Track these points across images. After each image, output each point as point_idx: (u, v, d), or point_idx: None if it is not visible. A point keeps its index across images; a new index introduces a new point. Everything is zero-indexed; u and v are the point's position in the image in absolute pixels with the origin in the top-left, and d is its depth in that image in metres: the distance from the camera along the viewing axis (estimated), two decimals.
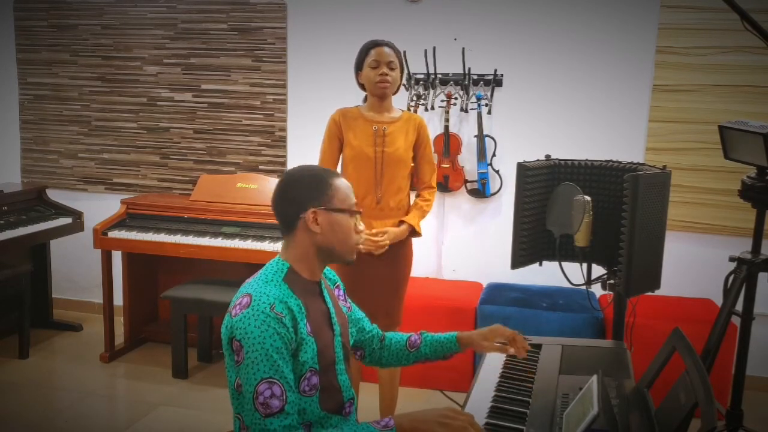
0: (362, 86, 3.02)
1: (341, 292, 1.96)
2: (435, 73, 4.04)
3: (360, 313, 2.02)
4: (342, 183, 1.78)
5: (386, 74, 2.92)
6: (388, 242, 2.93)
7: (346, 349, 1.83)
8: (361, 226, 1.81)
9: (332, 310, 1.80)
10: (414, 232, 3.03)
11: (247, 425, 1.58)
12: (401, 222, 3.00)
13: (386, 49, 2.94)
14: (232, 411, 1.71)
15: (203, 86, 4.48)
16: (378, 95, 2.96)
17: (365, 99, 3.06)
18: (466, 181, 4.09)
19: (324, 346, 1.71)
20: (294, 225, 1.74)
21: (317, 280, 1.79)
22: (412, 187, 3.14)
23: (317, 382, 1.69)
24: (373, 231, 2.92)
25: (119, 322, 4.22)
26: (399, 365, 2.08)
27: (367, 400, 3.23)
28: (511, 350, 1.94)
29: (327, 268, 1.89)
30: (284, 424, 1.54)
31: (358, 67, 2.99)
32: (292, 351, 1.62)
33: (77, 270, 4.83)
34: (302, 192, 1.74)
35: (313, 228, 1.72)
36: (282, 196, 1.76)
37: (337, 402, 1.76)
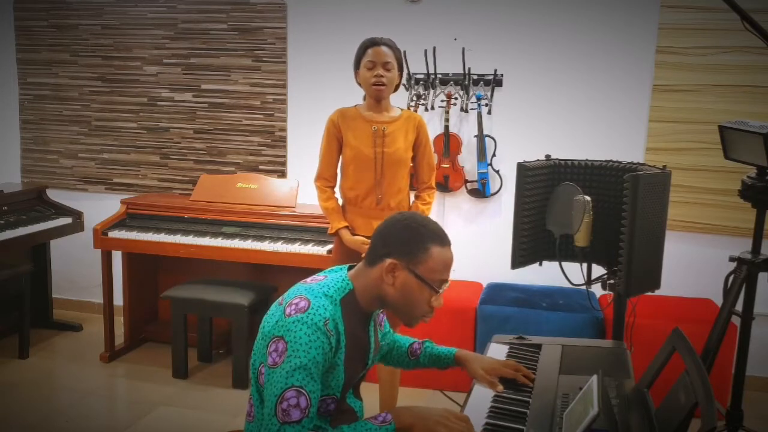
0: (361, 85, 3.01)
1: (384, 316, 1.93)
2: (435, 73, 4.04)
3: (387, 328, 2.00)
4: (442, 254, 1.65)
5: (381, 76, 2.89)
6: None
7: (362, 378, 1.82)
8: (438, 303, 1.69)
9: (372, 346, 1.77)
10: None
11: (258, 418, 1.58)
12: None
13: (383, 49, 2.90)
14: (250, 392, 1.70)
15: (203, 86, 4.48)
16: (373, 97, 2.95)
17: (365, 98, 3.05)
18: (466, 181, 4.09)
19: (350, 378, 1.70)
20: (376, 261, 1.67)
21: (371, 311, 1.74)
22: (412, 187, 3.14)
23: (334, 409, 1.68)
24: None
25: (119, 322, 4.22)
26: (399, 367, 2.09)
27: (368, 400, 3.22)
28: (500, 388, 1.87)
29: None
30: None
31: (356, 66, 2.97)
32: (326, 370, 1.60)
33: (77, 270, 4.83)
34: (397, 238, 1.66)
35: (386, 278, 1.65)
36: (383, 229, 1.70)
37: (345, 422, 1.75)
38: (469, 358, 1.98)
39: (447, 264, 1.68)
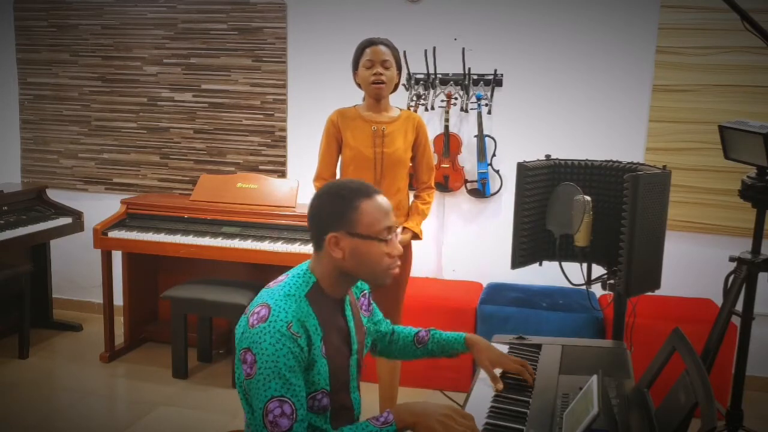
0: (360, 86, 3.01)
1: (366, 300, 1.91)
2: (435, 73, 4.04)
3: (379, 315, 2.00)
4: (372, 204, 1.63)
5: (380, 74, 2.88)
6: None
7: (359, 365, 1.80)
8: (396, 251, 1.67)
9: (352, 328, 1.75)
10: (415, 236, 3.03)
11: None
12: (403, 228, 3.00)
13: (381, 48, 2.90)
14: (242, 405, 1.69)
15: (203, 86, 4.48)
16: (373, 96, 2.95)
17: (365, 98, 3.05)
18: (466, 181, 4.09)
19: (338, 367, 1.68)
20: (320, 244, 1.67)
21: (341, 297, 1.73)
22: (411, 187, 3.14)
23: (328, 403, 1.66)
24: None
25: (119, 322, 4.22)
26: (405, 359, 2.06)
27: (368, 400, 3.22)
28: (500, 386, 1.87)
29: None
30: None
31: (355, 66, 2.97)
32: (304, 368, 1.59)
33: (77, 270, 4.83)
34: (325, 212, 1.65)
35: (334, 253, 1.63)
36: (309, 211, 1.69)
37: (348, 420, 1.75)
38: (479, 343, 1.96)
39: (383, 211, 1.65)
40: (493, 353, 1.95)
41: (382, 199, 1.67)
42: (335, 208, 1.64)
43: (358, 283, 1.88)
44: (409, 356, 2.04)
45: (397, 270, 1.71)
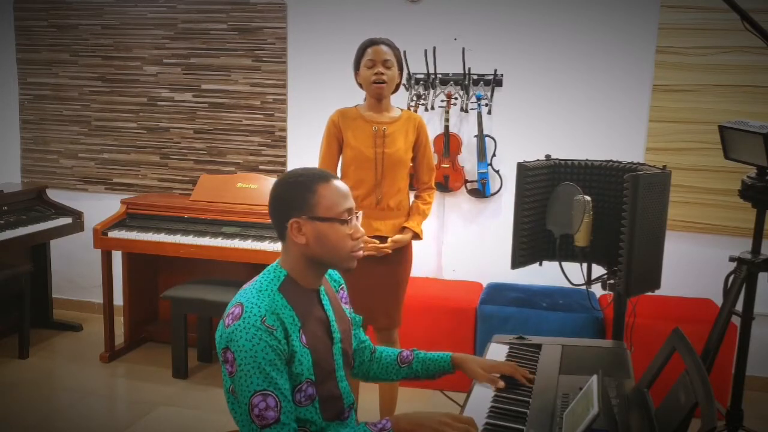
0: (361, 86, 3.01)
1: (345, 294, 1.92)
2: (435, 73, 4.04)
3: (359, 321, 1.99)
4: (329, 188, 1.66)
5: (382, 73, 2.88)
6: (389, 251, 2.94)
7: (347, 355, 1.80)
8: (358, 232, 1.70)
9: (332, 317, 1.76)
10: (416, 236, 3.03)
11: None
12: (404, 228, 3.00)
13: (382, 47, 2.90)
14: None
15: (203, 86, 4.48)
16: (374, 95, 2.95)
17: (366, 99, 3.05)
18: (466, 181, 4.09)
19: (321, 356, 1.69)
20: (283, 234, 1.69)
21: (315, 287, 1.74)
22: (411, 187, 3.14)
23: (314, 392, 1.66)
24: (387, 243, 2.93)
25: (119, 322, 4.22)
26: (386, 380, 2.03)
27: (367, 400, 3.23)
28: (501, 384, 1.87)
29: (330, 269, 1.85)
30: None
31: (356, 66, 2.98)
32: (286, 361, 1.60)
33: (77, 270, 4.83)
34: (285, 199, 1.67)
35: (297, 239, 1.65)
36: (270, 202, 1.71)
37: (338, 409, 1.75)
38: (467, 359, 1.97)
39: (341, 194, 1.68)
40: (483, 362, 1.96)
41: (339, 183, 1.70)
42: (294, 194, 1.66)
43: (335, 276, 1.90)
44: (390, 376, 2.01)
45: (361, 253, 1.73)
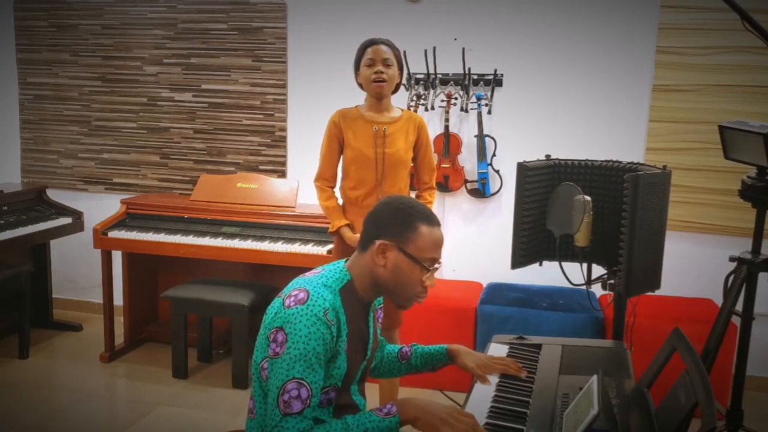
0: (362, 86, 3.01)
1: (381, 315, 1.94)
2: (435, 73, 4.04)
3: (382, 345, 2.02)
4: (430, 233, 1.68)
5: (382, 72, 2.89)
6: None
7: (365, 371, 1.83)
8: (431, 282, 1.72)
9: (371, 335, 1.79)
10: None
11: (260, 414, 1.58)
12: None
13: (382, 47, 2.91)
14: (252, 390, 1.71)
15: (203, 86, 4.48)
16: (375, 95, 2.95)
17: (366, 99, 3.05)
18: (466, 181, 4.09)
19: (352, 367, 1.71)
20: (368, 245, 1.70)
21: (369, 302, 1.77)
22: (412, 187, 3.14)
23: (333, 398, 1.68)
24: None
25: (119, 322, 4.22)
26: (390, 377, 2.08)
27: (368, 400, 3.22)
28: (488, 382, 1.91)
29: None
30: (299, 427, 1.52)
31: (356, 66, 2.98)
32: (328, 359, 1.62)
33: (77, 270, 4.83)
34: (386, 219, 1.69)
35: (377, 260, 1.68)
36: (372, 214, 1.73)
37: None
38: (461, 351, 2.01)
39: (436, 243, 1.70)
40: (476, 356, 2.00)
41: (439, 232, 1.72)
42: (398, 220, 1.68)
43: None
44: (393, 373, 2.06)
45: (422, 301, 1.76)
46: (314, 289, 1.62)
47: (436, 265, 1.72)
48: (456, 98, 4.02)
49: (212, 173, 4.42)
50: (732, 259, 2.72)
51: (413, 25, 4.08)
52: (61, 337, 4.50)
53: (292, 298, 1.60)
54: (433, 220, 1.71)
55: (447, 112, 4.01)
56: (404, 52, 3.87)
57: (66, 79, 4.69)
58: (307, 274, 1.73)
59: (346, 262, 1.76)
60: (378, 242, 1.67)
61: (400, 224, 1.67)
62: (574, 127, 3.99)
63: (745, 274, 2.65)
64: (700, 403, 1.39)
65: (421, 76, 4.05)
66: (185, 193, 4.53)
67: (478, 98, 3.98)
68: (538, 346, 2.20)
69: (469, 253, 4.21)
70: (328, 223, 3.13)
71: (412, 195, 3.13)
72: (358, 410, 1.78)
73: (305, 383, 1.54)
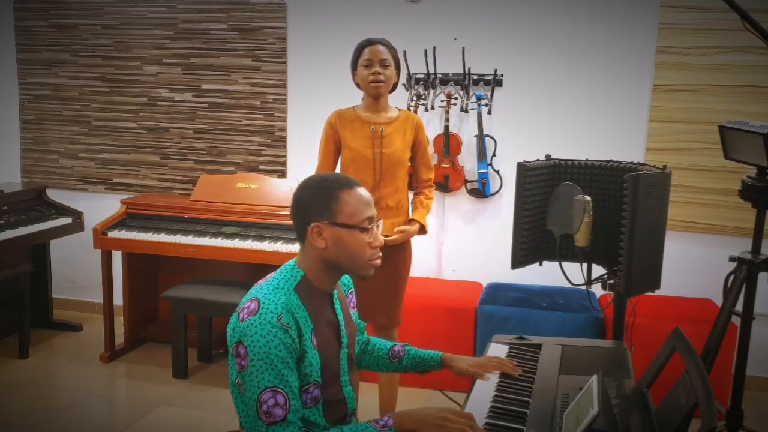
0: (359, 86, 3.01)
1: (353, 298, 1.93)
2: (435, 73, 4.04)
3: (362, 325, 2.01)
4: (352, 196, 1.67)
5: (379, 73, 2.90)
6: (399, 240, 2.95)
7: (351, 360, 1.82)
8: (377, 242, 1.71)
9: (342, 322, 1.77)
10: (422, 228, 3.04)
11: (248, 430, 1.58)
12: (411, 221, 3.01)
13: (379, 47, 2.91)
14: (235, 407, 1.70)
15: (203, 86, 4.48)
16: (372, 95, 2.95)
17: (363, 99, 3.05)
18: (466, 181, 4.09)
19: (329, 359, 1.70)
20: (303, 236, 1.70)
21: (329, 290, 1.76)
22: (410, 186, 3.15)
23: (319, 395, 1.67)
24: (394, 235, 2.93)
25: (119, 322, 4.22)
26: (376, 371, 2.08)
27: (367, 400, 3.23)
28: (486, 377, 1.93)
29: None
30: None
31: (353, 66, 2.98)
32: (297, 360, 1.61)
33: (77, 270, 4.83)
34: (308, 203, 1.68)
35: (317, 243, 1.66)
36: (293, 204, 1.72)
37: (342, 413, 1.76)
38: (455, 358, 2.02)
39: (363, 202, 1.68)
40: (471, 359, 2.01)
41: (362, 191, 1.71)
42: (317, 198, 1.67)
43: (345, 280, 1.91)
44: (381, 368, 2.06)
45: (378, 261, 1.74)
46: (264, 297, 1.61)
47: (377, 223, 1.71)
48: (456, 98, 4.02)
49: (212, 173, 4.42)
50: (732, 259, 2.72)
51: (413, 25, 4.08)
52: (61, 337, 4.50)
53: (245, 311, 1.60)
54: (351, 184, 1.69)
55: (447, 112, 4.01)
56: (404, 52, 3.87)
57: (66, 79, 4.69)
58: (260, 281, 1.72)
59: (296, 260, 1.75)
60: (310, 227, 1.66)
61: (321, 201, 1.66)
62: (574, 127, 3.99)
63: (745, 274, 2.65)
64: (700, 403, 1.39)
65: (421, 76, 4.05)
66: (185, 193, 4.53)
67: (478, 98, 3.98)
68: (538, 346, 2.20)
69: (469, 253, 4.21)
70: None
71: (411, 194, 3.13)
72: (346, 407, 1.77)
73: (279, 389, 1.54)
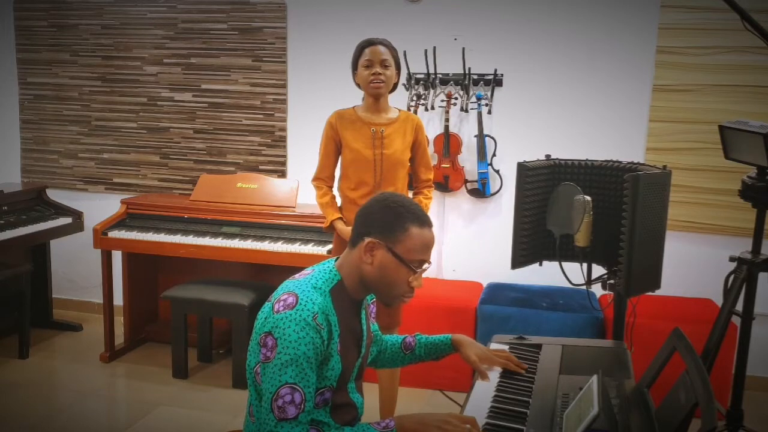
0: (359, 86, 3.02)
1: (374, 309, 1.94)
2: (435, 73, 4.04)
3: (376, 327, 2.02)
4: (420, 235, 1.66)
5: (379, 73, 2.90)
6: None
7: (362, 368, 1.83)
8: (417, 283, 1.70)
9: (364, 333, 1.78)
10: None
11: (258, 418, 1.59)
12: None
13: (380, 48, 2.91)
14: (248, 393, 1.71)
15: (203, 86, 4.48)
16: (372, 95, 2.96)
17: (364, 99, 3.05)
18: (466, 181, 4.09)
19: (347, 367, 1.70)
20: (357, 242, 1.69)
21: (360, 299, 1.76)
22: (409, 186, 3.15)
23: (329, 398, 1.68)
24: None
25: (119, 322, 4.22)
26: (394, 366, 2.09)
27: (367, 400, 3.21)
28: (487, 379, 1.92)
29: None
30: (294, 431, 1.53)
31: (354, 67, 2.99)
32: (320, 362, 1.61)
33: (77, 270, 4.83)
34: (378, 218, 1.67)
35: (365, 257, 1.66)
36: (364, 210, 1.71)
37: (351, 417, 1.76)
38: (465, 342, 2.01)
39: (426, 244, 1.68)
40: (478, 348, 2.00)
41: (430, 234, 1.70)
42: (388, 219, 1.66)
43: None
44: (397, 363, 2.06)
45: (408, 301, 1.75)
46: (303, 293, 1.61)
47: (425, 266, 1.71)
48: (456, 98, 4.02)
49: (212, 173, 4.42)
50: (732, 259, 2.72)
51: (413, 25, 4.08)
52: (61, 337, 4.50)
53: (281, 303, 1.60)
54: (424, 222, 1.68)
55: (447, 112, 4.01)
56: (404, 52, 3.87)
57: (66, 79, 4.69)
58: (297, 275, 1.72)
59: (336, 261, 1.75)
60: (367, 240, 1.66)
61: (390, 223, 1.65)
62: (574, 127, 3.99)
63: (745, 274, 2.66)
64: (700, 403, 1.39)
65: (421, 76, 4.05)
66: (185, 193, 4.53)
67: (478, 98, 3.98)
68: (538, 346, 2.20)
69: (469, 253, 4.21)
70: None
71: (410, 194, 3.13)
72: (356, 409, 1.78)
73: (298, 388, 1.54)
